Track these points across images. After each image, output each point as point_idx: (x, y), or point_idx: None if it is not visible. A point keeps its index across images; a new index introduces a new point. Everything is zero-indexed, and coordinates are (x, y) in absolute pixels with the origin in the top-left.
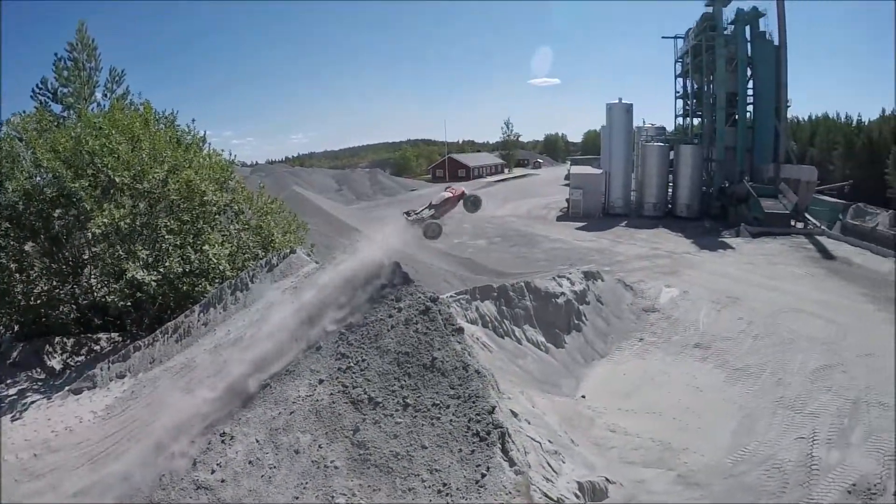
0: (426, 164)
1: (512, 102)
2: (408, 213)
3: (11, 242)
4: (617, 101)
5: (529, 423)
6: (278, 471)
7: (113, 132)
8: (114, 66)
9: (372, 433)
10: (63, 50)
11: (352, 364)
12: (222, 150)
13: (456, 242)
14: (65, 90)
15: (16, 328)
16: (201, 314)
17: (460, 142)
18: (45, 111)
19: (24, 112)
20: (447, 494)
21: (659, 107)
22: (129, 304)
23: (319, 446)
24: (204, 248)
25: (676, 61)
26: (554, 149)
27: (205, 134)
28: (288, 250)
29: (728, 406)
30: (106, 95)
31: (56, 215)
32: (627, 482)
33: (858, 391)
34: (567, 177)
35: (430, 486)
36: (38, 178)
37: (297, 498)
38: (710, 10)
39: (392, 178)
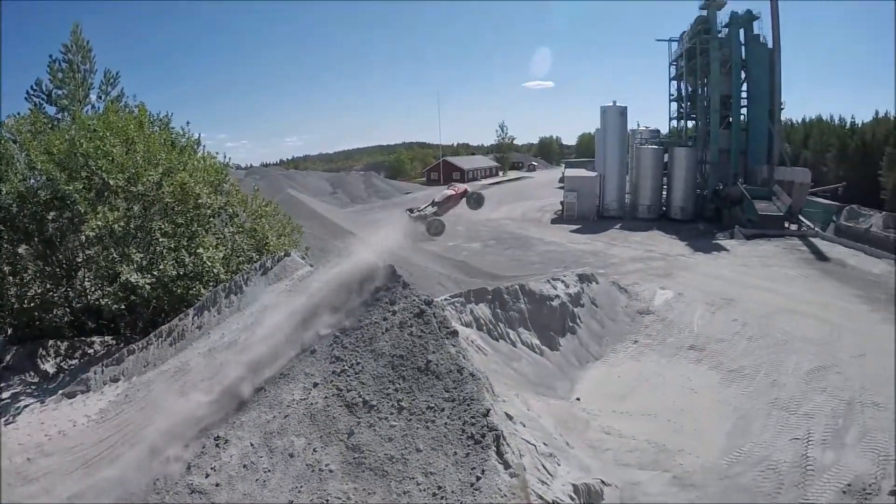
0: (421, 167)
1: (506, 105)
2: (411, 211)
3: (5, 245)
4: (611, 104)
5: (524, 425)
6: (273, 475)
7: (107, 134)
8: (108, 67)
9: (367, 436)
10: (58, 51)
11: (346, 367)
12: (217, 153)
13: (450, 245)
14: (59, 92)
15: (9, 331)
16: (195, 317)
17: (455, 145)
18: (40, 113)
19: (19, 114)
20: (442, 497)
21: (653, 109)
22: (122, 307)
23: (314, 450)
24: (198, 251)
25: (671, 64)
26: (548, 151)
27: (199, 136)
28: (282, 253)
29: (723, 407)
30: (100, 97)
31: (50, 218)
32: (623, 484)
33: (853, 392)
34: (561, 179)
35: (424, 490)
36: (32, 181)
37: (291, 502)
38: (704, 13)
39: (386, 181)
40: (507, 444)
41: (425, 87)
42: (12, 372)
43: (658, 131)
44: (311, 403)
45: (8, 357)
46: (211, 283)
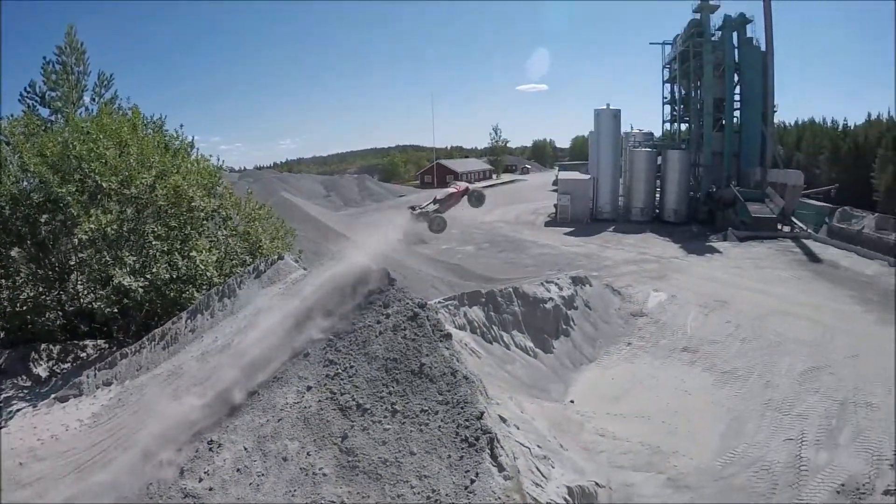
0: (414, 170)
1: (500, 108)
2: (413, 208)
3: None
4: (605, 107)
5: (518, 428)
6: (266, 478)
7: (101, 137)
8: (102, 70)
9: (360, 440)
10: (52, 53)
11: (340, 370)
12: (210, 156)
13: (444, 248)
14: (53, 94)
15: (1, 335)
16: (188, 321)
17: (448, 147)
18: (33, 115)
19: (12, 116)
20: (436, 500)
21: (647, 112)
22: (115, 310)
23: (308, 453)
24: (191, 254)
25: (664, 67)
26: (542, 154)
27: (193, 139)
28: (276, 256)
29: (716, 409)
30: (94, 99)
31: (43, 221)
32: (617, 486)
33: (846, 392)
34: (555, 182)
35: (419, 493)
36: (25, 183)
37: None
38: (697, 16)
39: (380, 184)
40: (501, 447)
41: (419, 91)
42: (4, 376)
43: (651, 134)
44: (305, 407)
45: (0, 361)
46: (204, 287)
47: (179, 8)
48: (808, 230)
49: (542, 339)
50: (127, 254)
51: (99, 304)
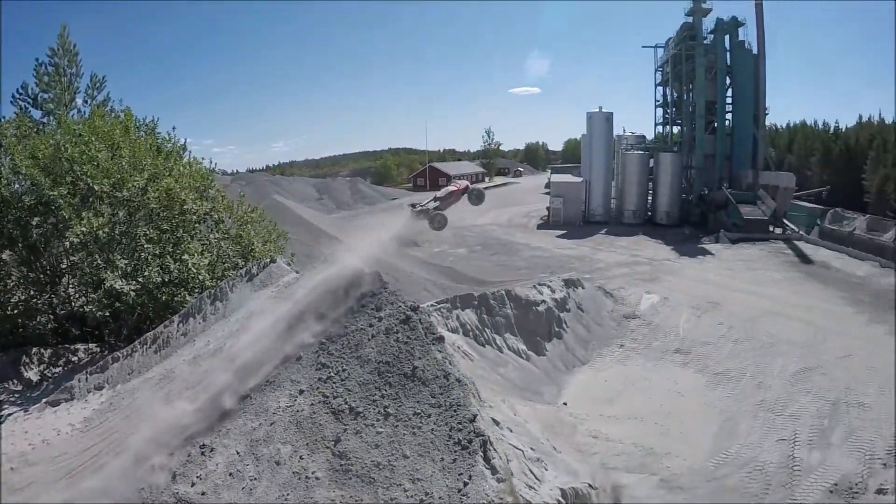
0: (407, 173)
1: (493, 111)
2: (413, 206)
3: None
4: (597, 110)
5: (511, 430)
6: (259, 483)
7: (93, 139)
8: (95, 71)
9: (353, 443)
10: (44, 55)
11: (332, 374)
12: (203, 159)
13: (436, 251)
14: (45, 96)
15: None
16: (180, 324)
17: (441, 150)
18: (25, 117)
19: (4, 117)
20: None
21: (639, 115)
22: (107, 314)
23: (300, 457)
24: (183, 257)
25: (656, 70)
26: (534, 157)
27: (185, 142)
28: (268, 260)
29: (709, 410)
30: (86, 102)
31: (34, 223)
32: (610, 488)
33: (838, 392)
34: (547, 185)
35: (412, 496)
36: (17, 186)
37: None
38: (690, 19)
39: (373, 187)
40: (494, 450)
41: (412, 93)
42: None
43: (644, 137)
44: (298, 410)
45: None
46: (196, 290)
47: (171, 10)
48: (800, 232)
49: (535, 342)
50: (119, 257)
51: (90, 307)
